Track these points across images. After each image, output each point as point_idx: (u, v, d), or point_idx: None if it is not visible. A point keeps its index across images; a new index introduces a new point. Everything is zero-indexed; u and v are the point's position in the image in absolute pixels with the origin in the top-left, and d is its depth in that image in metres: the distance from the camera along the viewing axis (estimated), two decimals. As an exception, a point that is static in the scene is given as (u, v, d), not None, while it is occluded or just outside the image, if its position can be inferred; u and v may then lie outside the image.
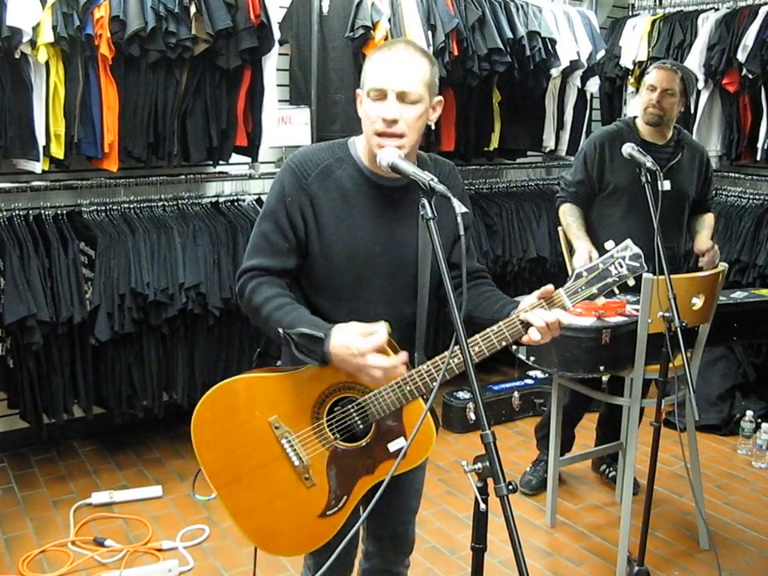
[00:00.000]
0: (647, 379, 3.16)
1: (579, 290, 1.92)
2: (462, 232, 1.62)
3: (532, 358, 3.19)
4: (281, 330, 1.91)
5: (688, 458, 3.24)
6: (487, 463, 1.56)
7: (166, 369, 4.10)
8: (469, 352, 1.63)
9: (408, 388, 1.92)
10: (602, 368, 3.09)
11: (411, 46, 1.97)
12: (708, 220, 3.81)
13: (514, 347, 3.26)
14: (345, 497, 2.03)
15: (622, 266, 1.92)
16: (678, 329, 2.74)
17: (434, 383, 1.90)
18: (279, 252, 2.01)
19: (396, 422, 1.98)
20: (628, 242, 1.94)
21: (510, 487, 1.50)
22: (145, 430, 4.40)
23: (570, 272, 3.73)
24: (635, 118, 3.70)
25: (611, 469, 4.01)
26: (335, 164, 2.02)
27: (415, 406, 1.95)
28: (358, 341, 1.83)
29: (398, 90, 1.90)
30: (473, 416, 4.59)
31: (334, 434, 2.00)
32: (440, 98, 2.04)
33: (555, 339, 3.04)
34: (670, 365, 2.86)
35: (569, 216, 3.68)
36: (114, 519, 3.62)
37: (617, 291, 1.96)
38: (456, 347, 1.76)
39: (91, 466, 4.11)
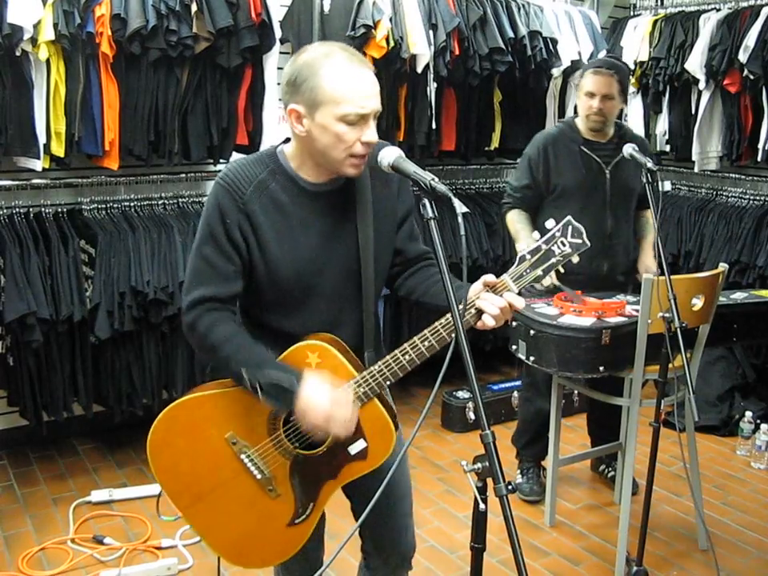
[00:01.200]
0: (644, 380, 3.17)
1: (524, 273, 1.91)
2: (462, 232, 1.61)
3: (532, 358, 3.19)
4: (244, 373, 1.87)
5: (687, 458, 3.24)
6: (487, 463, 1.56)
7: (166, 367, 4.10)
8: (465, 344, 1.60)
9: (362, 390, 1.92)
10: (601, 368, 3.10)
11: (359, 57, 1.87)
12: (651, 219, 3.78)
13: (514, 347, 3.27)
14: (311, 504, 2.03)
15: (564, 245, 1.91)
16: (678, 329, 2.74)
17: (387, 382, 1.92)
18: (226, 277, 1.94)
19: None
20: (568, 218, 1.93)
21: (510, 487, 1.51)
22: (145, 428, 4.33)
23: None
24: (575, 117, 3.67)
25: (610, 468, 4.02)
26: (269, 177, 1.95)
27: (371, 406, 1.94)
28: (330, 408, 1.85)
29: (375, 110, 1.85)
30: (472, 415, 4.59)
31: (293, 444, 2.00)
32: None
33: (555, 339, 3.08)
34: (670, 365, 2.86)
35: (517, 223, 3.62)
36: (113, 517, 3.62)
37: (562, 270, 1.95)
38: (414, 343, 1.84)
39: (91, 464, 4.11)
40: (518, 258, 1.92)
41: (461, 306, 1.66)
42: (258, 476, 2.01)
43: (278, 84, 4.24)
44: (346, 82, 1.80)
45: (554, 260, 1.91)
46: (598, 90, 3.47)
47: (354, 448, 1.98)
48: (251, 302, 2.04)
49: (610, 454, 3.96)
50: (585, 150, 3.57)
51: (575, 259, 1.94)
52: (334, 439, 1.93)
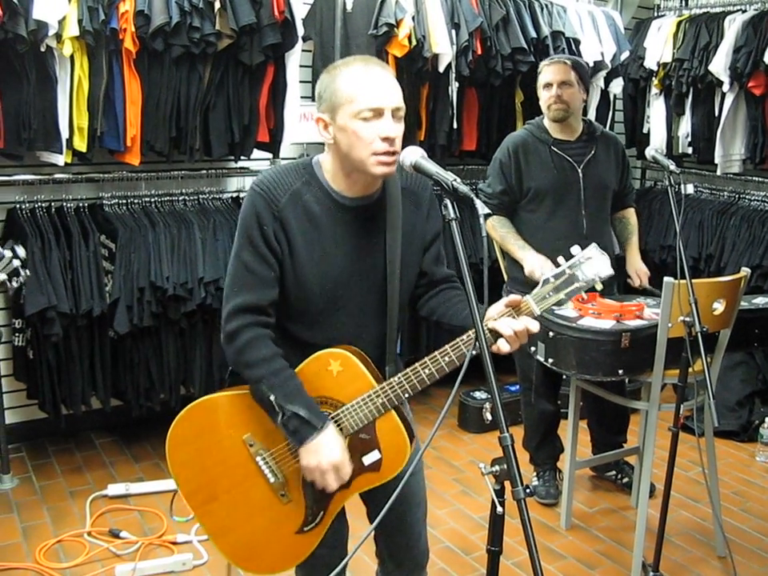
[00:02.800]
0: (647, 383, 3.15)
1: (547, 296, 1.91)
2: (484, 233, 1.61)
3: (550, 360, 3.17)
4: (273, 398, 1.92)
5: (706, 463, 3.22)
6: (505, 466, 1.55)
7: (184, 363, 4.11)
8: (487, 352, 1.61)
9: (380, 401, 1.95)
10: (620, 371, 3.07)
11: (377, 62, 1.94)
12: (632, 220, 3.78)
13: (532, 349, 3.26)
14: (321, 512, 2.05)
15: (588, 271, 1.91)
16: (699, 334, 2.72)
17: (405, 394, 1.96)
18: (266, 283, 1.97)
19: (369, 435, 1.99)
20: (593, 245, 1.94)
21: (528, 491, 1.50)
22: (162, 423, 4.36)
23: (505, 278, 3.72)
24: (543, 118, 3.63)
25: (622, 475, 3.99)
26: (303, 188, 1.97)
27: (388, 417, 1.97)
28: (334, 465, 1.92)
29: (393, 107, 1.87)
30: (489, 416, 4.57)
31: None
32: None
33: (574, 342, 3.07)
34: (690, 369, 2.84)
35: (500, 229, 3.58)
36: (129, 511, 3.64)
37: (584, 296, 1.98)
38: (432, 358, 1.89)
39: (108, 458, 4.13)
40: (542, 281, 1.93)
41: (481, 317, 1.65)
42: (272, 480, 2.03)
43: (300, 82, 4.25)
44: (358, 81, 1.87)
45: (577, 285, 1.91)
46: (553, 77, 3.48)
47: (368, 459, 1.99)
48: (277, 311, 2.05)
49: (618, 459, 3.95)
50: (555, 149, 3.53)
51: (599, 286, 1.94)
52: (322, 487, 1.97)
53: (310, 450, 1.92)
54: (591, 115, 5.23)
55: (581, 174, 3.52)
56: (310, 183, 1.98)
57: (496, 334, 1.86)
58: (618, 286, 3.83)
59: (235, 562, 2.11)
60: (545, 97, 3.53)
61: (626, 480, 3.97)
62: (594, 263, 1.91)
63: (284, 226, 1.94)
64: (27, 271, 2.68)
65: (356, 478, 2.01)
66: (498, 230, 3.58)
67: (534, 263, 3.41)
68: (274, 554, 2.09)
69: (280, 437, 2.00)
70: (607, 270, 1.92)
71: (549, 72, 3.51)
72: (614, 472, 4.02)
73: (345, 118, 1.87)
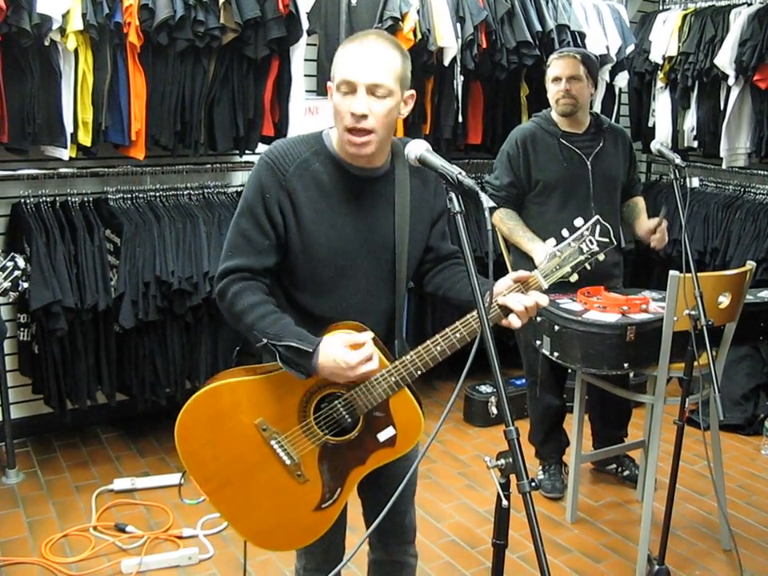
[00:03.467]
0: (653, 377, 3.14)
1: (554, 269, 1.97)
2: (489, 226, 1.60)
3: (556, 354, 3.17)
4: (265, 340, 1.92)
5: (711, 457, 3.22)
6: (510, 460, 1.55)
7: (189, 357, 4.12)
8: (490, 344, 1.60)
9: (393, 379, 1.95)
10: (626, 365, 3.07)
11: (383, 37, 1.94)
12: (640, 204, 3.76)
13: (538, 343, 3.26)
14: (339, 489, 2.06)
15: (592, 243, 1.98)
16: (704, 327, 2.72)
17: (418, 372, 1.95)
18: (260, 250, 1.99)
19: (383, 413, 2.00)
20: (597, 217, 2.00)
21: (533, 484, 1.50)
22: (167, 417, 4.39)
23: (510, 271, 3.70)
24: (550, 110, 3.61)
25: (623, 468, 3.99)
26: (312, 157, 1.99)
27: (401, 395, 1.99)
28: (348, 355, 1.87)
29: (368, 83, 1.87)
30: (494, 410, 4.51)
31: (323, 431, 2.03)
32: (412, 91, 2.01)
33: (580, 335, 3.07)
34: (695, 363, 2.84)
35: (508, 221, 3.56)
36: (135, 506, 3.64)
37: (588, 267, 2.03)
38: (456, 328, 1.88)
39: (114, 453, 4.14)
40: (547, 255, 1.96)
41: (486, 297, 1.66)
42: (288, 461, 2.03)
43: (305, 75, 4.24)
44: (344, 53, 1.90)
45: (581, 257, 1.98)
46: (562, 72, 3.46)
47: (383, 435, 2.02)
48: (285, 281, 2.07)
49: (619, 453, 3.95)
50: (564, 142, 3.52)
51: (602, 257, 1.99)
52: (362, 379, 1.94)
53: (322, 369, 1.91)
54: (597, 109, 5.21)
55: (590, 167, 3.51)
56: (319, 153, 2.00)
57: (506, 310, 1.90)
58: (624, 279, 3.81)
59: (254, 542, 2.13)
60: (553, 90, 3.51)
61: (626, 473, 3.98)
62: (597, 235, 1.98)
63: (290, 194, 1.96)
64: (26, 284, 2.69)
65: (372, 453, 2.03)
66: (506, 222, 3.57)
67: (544, 254, 3.39)
68: (293, 531, 2.12)
69: (293, 420, 2.01)
70: (610, 242, 1.98)
71: (558, 66, 3.49)
72: (614, 465, 4.02)
73: (333, 90, 1.92)
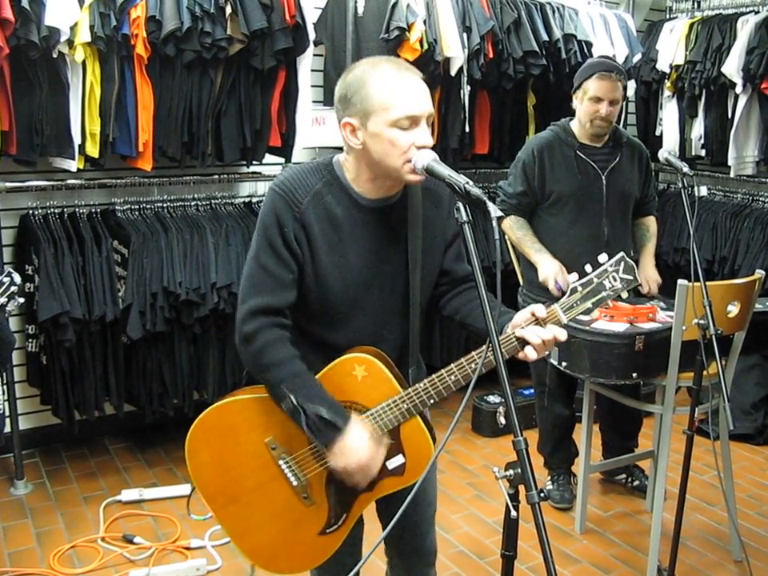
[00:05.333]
0: (662, 386, 3.13)
1: (575, 304, 1.94)
2: (497, 236, 1.60)
3: (564, 364, 3.16)
4: (293, 400, 1.90)
5: (721, 467, 3.20)
6: (519, 470, 1.55)
7: (197, 368, 4.12)
8: (501, 358, 1.60)
9: (405, 406, 1.94)
10: (634, 374, 3.06)
11: (406, 64, 1.92)
12: (652, 228, 3.74)
13: (546, 352, 3.24)
14: (344, 514, 2.05)
15: (615, 279, 1.95)
16: (713, 336, 2.71)
17: (431, 400, 1.96)
18: (284, 285, 1.95)
19: (394, 440, 1.98)
20: (622, 254, 1.97)
21: (542, 495, 1.49)
22: (175, 428, 4.39)
23: (521, 281, 3.70)
24: (569, 120, 3.58)
25: (633, 478, 3.97)
26: (324, 189, 1.95)
27: (412, 423, 1.97)
28: (362, 465, 1.91)
29: (428, 113, 1.86)
30: (503, 420, 4.49)
31: None
32: None
33: (588, 345, 3.06)
34: (704, 372, 2.83)
35: (517, 230, 3.54)
36: (143, 517, 3.64)
37: (611, 304, 2.01)
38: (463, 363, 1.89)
39: (121, 464, 4.14)
40: (569, 289, 1.94)
41: (494, 313, 1.64)
42: (295, 483, 2.02)
43: (312, 86, 4.25)
44: (394, 88, 1.82)
45: (604, 294, 1.95)
46: (605, 94, 3.37)
47: (393, 463, 2.00)
48: (297, 312, 2.03)
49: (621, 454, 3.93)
50: (580, 154, 3.49)
51: (624, 294, 1.98)
52: (352, 485, 1.97)
53: (336, 452, 1.91)
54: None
55: (604, 181, 3.48)
56: (332, 184, 1.96)
57: (523, 342, 1.89)
58: (633, 289, 3.80)
59: (257, 563, 2.11)
60: (590, 110, 3.40)
61: (636, 483, 3.96)
62: (620, 272, 1.94)
63: (305, 227, 1.92)
64: (22, 299, 2.71)
65: (380, 481, 2.01)
66: (516, 231, 3.56)
67: (548, 271, 3.40)
68: (296, 554, 2.10)
69: (303, 440, 2.00)
70: (634, 279, 1.96)
71: (601, 87, 3.37)
72: (623, 475, 4.00)
73: (379, 126, 1.83)
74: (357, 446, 1.90)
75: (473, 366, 1.91)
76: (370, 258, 1.99)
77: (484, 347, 1.82)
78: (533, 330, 1.89)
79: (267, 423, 2.01)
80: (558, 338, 1.89)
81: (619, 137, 3.58)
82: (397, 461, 2.00)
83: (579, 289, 1.94)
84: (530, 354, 1.89)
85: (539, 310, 1.91)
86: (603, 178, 3.49)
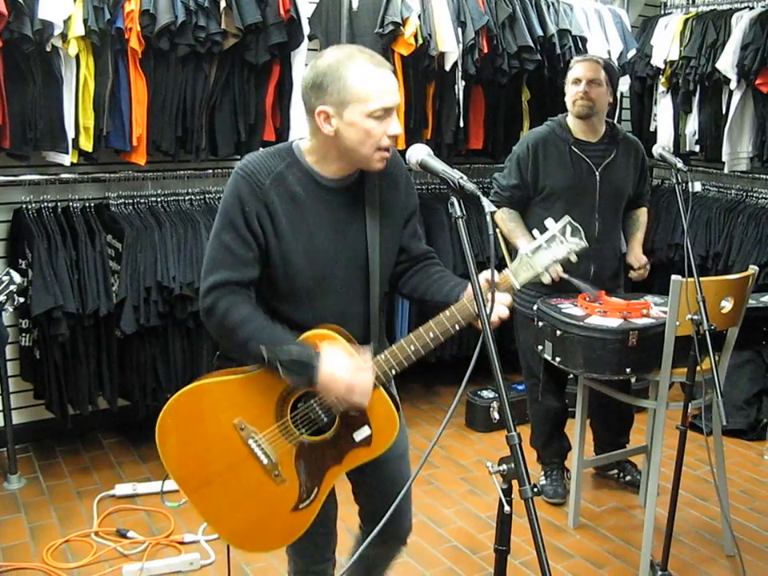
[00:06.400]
0: (655, 381, 3.13)
1: (525, 269, 2.02)
2: (491, 231, 1.60)
3: (558, 359, 3.16)
4: (264, 352, 1.94)
5: (714, 462, 3.21)
6: (512, 465, 1.55)
7: (191, 362, 4.11)
8: (492, 349, 1.60)
9: None
10: (628, 370, 3.07)
11: (379, 57, 1.98)
12: (642, 218, 3.75)
13: (539, 348, 3.25)
14: (315, 489, 2.09)
15: (563, 243, 2.01)
16: (707, 332, 2.71)
17: (392, 371, 2.00)
18: (245, 263, 2.01)
19: (359, 412, 2.02)
20: (567, 218, 2.03)
21: (536, 490, 1.49)
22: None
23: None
24: (566, 116, 3.60)
25: (625, 473, 3.99)
26: (286, 170, 2.02)
27: (376, 394, 2.00)
28: (351, 377, 1.92)
29: (397, 104, 1.96)
30: (496, 415, 4.57)
31: (299, 430, 2.06)
32: None
33: (582, 340, 3.07)
34: (698, 368, 2.83)
35: (509, 222, 3.56)
36: (136, 511, 3.64)
37: (560, 268, 2.08)
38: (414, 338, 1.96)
39: (115, 458, 4.14)
40: (519, 256, 2.00)
41: (465, 295, 1.77)
42: (265, 461, 2.06)
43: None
44: (371, 81, 1.90)
45: (553, 258, 2.02)
46: (583, 74, 3.45)
47: (359, 435, 2.05)
48: (266, 292, 2.10)
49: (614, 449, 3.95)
50: (575, 149, 3.50)
51: (573, 258, 2.04)
52: (357, 408, 1.99)
53: (322, 385, 1.94)
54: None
55: (598, 177, 3.49)
56: (293, 166, 2.03)
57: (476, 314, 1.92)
58: (625, 284, 3.81)
59: (233, 543, 2.15)
60: (572, 92, 3.50)
61: (628, 478, 3.97)
62: (568, 236, 2.01)
63: (268, 207, 1.99)
64: (21, 298, 2.71)
65: (347, 453, 2.07)
66: (507, 223, 3.56)
67: (522, 241, 3.40)
68: (271, 532, 2.14)
69: (271, 419, 2.05)
70: (581, 242, 2.02)
71: (579, 68, 3.48)
72: (616, 470, 4.02)
73: (356, 116, 1.91)
74: (335, 369, 1.92)
75: (431, 335, 1.96)
76: (332, 235, 2.05)
77: (440, 316, 1.96)
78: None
79: (234, 405, 2.05)
80: (501, 316, 1.95)
81: (616, 133, 3.59)
82: (363, 432, 2.05)
83: (528, 254, 2.00)
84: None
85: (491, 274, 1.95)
86: (597, 173, 3.49)
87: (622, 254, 3.73)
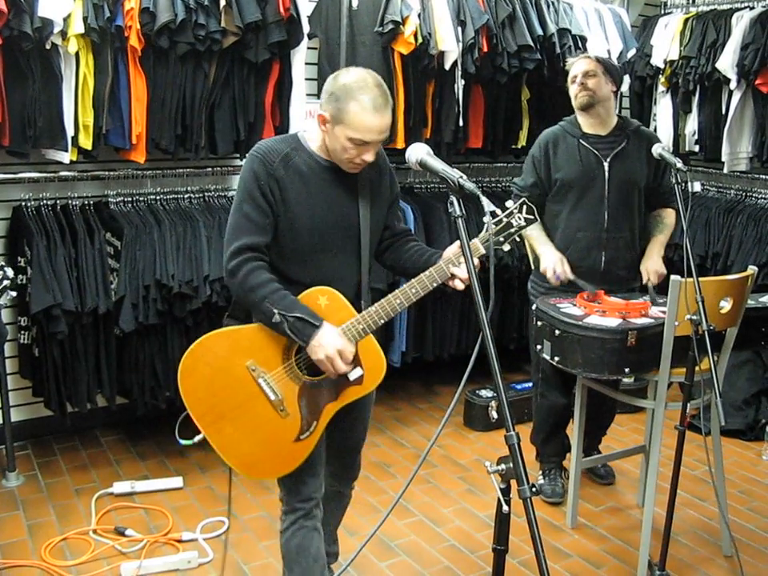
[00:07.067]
0: (653, 381, 3.13)
1: (489, 239, 2.34)
2: (490, 231, 1.61)
3: (556, 358, 3.16)
4: (276, 311, 2.28)
5: (712, 462, 3.21)
6: (511, 465, 1.55)
7: (190, 361, 4.10)
8: (491, 349, 1.61)
9: (361, 327, 2.36)
10: (626, 370, 3.06)
11: (382, 92, 2.29)
12: (667, 219, 3.72)
13: (538, 347, 3.25)
14: (314, 422, 2.42)
15: (520, 219, 2.39)
16: (706, 332, 2.71)
17: (381, 320, 2.36)
18: (263, 228, 2.36)
19: (354, 355, 2.36)
20: (523, 200, 2.41)
21: (534, 489, 1.50)
22: (167, 421, 4.39)
23: (532, 267, 3.81)
24: (576, 115, 3.66)
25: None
26: (292, 152, 2.39)
27: (367, 341, 2.39)
28: (336, 352, 2.29)
29: (380, 140, 2.32)
30: (495, 415, 4.52)
31: (302, 371, 2.41)
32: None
33: (580, 340, 3.08)
34: (696, 368, 2.83)
35: None
36: (134, 509, 3.64)
37: (518, 239, 2.47)
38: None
39: (113, 456, 4.13)
40: (485, 227, 2.15)
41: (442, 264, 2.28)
42: (272, 397, 2.39)
43: (306, 79, 4.23)
44: (364, 119, 2.25)
45: (511, 230, 2.39)
46: (577, 69, 3.54)
47: (353, 375, 2.38)
48: (273, 254, 2.42)
49: (590, 445, 3.97)
50: (583, 142, 3.55)
51: (522, 231, 2.42)
52: (335, 372, 2.33)
53: (315, 345, 2.29)
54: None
55: (606, 167, 3.51)
56: (298, 149, 2.41)
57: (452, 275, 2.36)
58: (641, 287, 3.82)
59: (242, 471, 2.46)
60: (573, 90, 3.57)
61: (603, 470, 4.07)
62: (524, 213, 2.38)
63: (278, 181, 2.35)
64: (14, 293, 2.75)
65: (342, 391, 2.42)
66: None
67: (549, 263, 3.46)
68: (275, 460, 2.45)
69: (278, 361, 2.40)
70: (534, 219, 2.40)
71: (573, 67, 3.57)
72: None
73: (341, 133, 2.29)
74: (331, 336, 2.30)
75: (413, 291, 2.34)
76: (330, 208, 2.41)
77: (421, 275, 2.36)
78: (461, 267, 2.34)
79: (248, 349, 2.39)
80: (461, 277, 2.33)
81: (627, 125, 3.63)
82: (356, 372, 2.39)
83: (493, 227, 2.35)
84: (457, 285, 2.36)
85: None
86: (605, 164, 3.52)
87: (641, 251, 3.70)
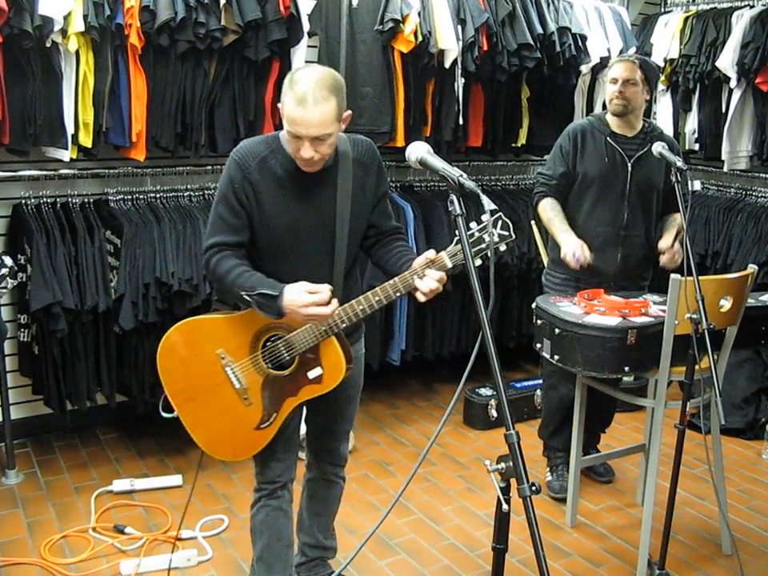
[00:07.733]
0: (653, 380, 3.13)
1: (458, 253, 2.30)
2: (491, 230, 1.60)
3: (556, 357, 3.16)
4: (243, 293, 2.36)
5: (712, 461, 3.21)
6: (510, 463, 1.55)
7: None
8: (491, 347, 1.61)
9: (323, 328, 2.41)
10: (626, 368, 3.07)
11: (320, 87, 2.22)
12: (679, 220, 3.72)
13: (538, 346, 3.25)
14: (275, 414, 2.52)
15: (494, 235, 2.31)
16: (705, 331, 2.72)
17: (343, 324, 2.39)
18: (234, 229, 2.44)
19: (314, 355, 2.46)
20: (500, 213, 2.29)
21: (534, 488, 1.49)
22: (167, 419, 4.40)
23: (544, 264, 3.81)
24: (605, 113, 3.69)
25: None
26: (270, 155, 2.43)
27: (329, 342, 2.45)
28: (304, 296, 2.30)
29: (312, 137, 2.26)
30: (494, 413, 4.57)
31: (266, 364, 2.50)
32: (348, 111, 2.37)
33: (580, 338, 3.08)
34: (696, 367, 2.83)
35: (550, 211, 3.62)
36: (134, 507, 3.64)
37: (489, 255, 2.26)
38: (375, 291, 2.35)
39: (113, 454, 4.13)
40: (455, 240, 2.23)
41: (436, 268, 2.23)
42: (237, 386, 2.51)
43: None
44: (292, 111, 2.24)
45: (483, 245, 2.27)
46: (619, 74, 3.54)
47: (313, 373, 2.48)
48: (251, 253, 2.50)
49: (589, 443, 3.96)
50: (610, 141, 3.59)
51: (502, 247, 2.33)
52: (320, 321, 2.36)
53: (288, 311, 2.33)
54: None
55: (630, 168, 3.56)
56: (276, 151, 2.43)
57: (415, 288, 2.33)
58: (652, 283, 3.83)
59: (208, 450, 2.59)
60: (609, 91, 3.59)
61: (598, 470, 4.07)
62: (499, 229, 2.29)
63: (252, 184, 2.41)
64: (14, 281, 2.78)
65: (303, 387, 2.50)
66: (548, 211, 3.63)
67: (569, 248, 3.45)
68: (237, 444, 2.59)
69: (245, 352, 2.49)
70: (509, 235, 2.30)
71: (616, 68, 3.57)
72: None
73: (285, 125, 2.30)
74: (293, 293, 2.31)
75: (376, 299, 2.35)
76: (305, 210, 2.44)
77: (386, 284, 2.35)
78: (425, 281, 2.30)
79: (219, 337, 2.51)
80: (431, 288, 2.28)
81: (652, 130, 3.66)
82: (316, 371, 2.47)
83: (492, 227, 2.27)
84: (419, 297, 2.33)
85: (430, 253, 2.32)
86: (629, 165, 3.56)
87: (655, 251, 3.71)
